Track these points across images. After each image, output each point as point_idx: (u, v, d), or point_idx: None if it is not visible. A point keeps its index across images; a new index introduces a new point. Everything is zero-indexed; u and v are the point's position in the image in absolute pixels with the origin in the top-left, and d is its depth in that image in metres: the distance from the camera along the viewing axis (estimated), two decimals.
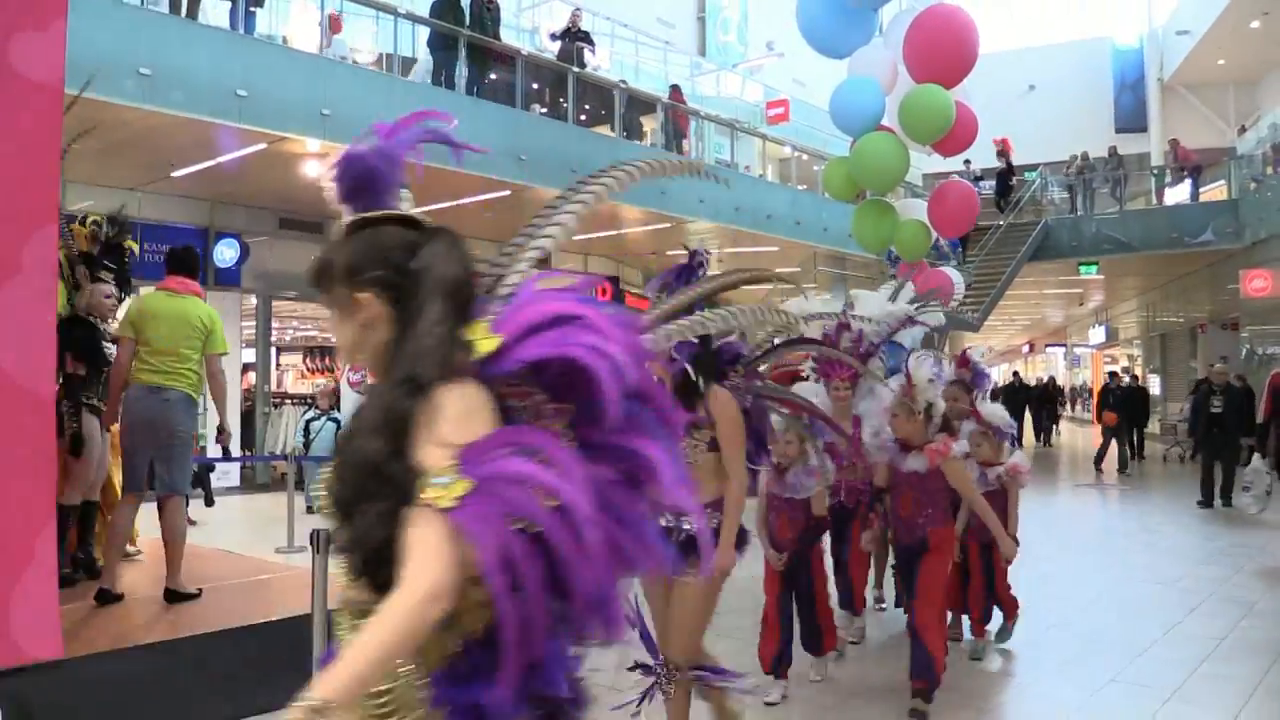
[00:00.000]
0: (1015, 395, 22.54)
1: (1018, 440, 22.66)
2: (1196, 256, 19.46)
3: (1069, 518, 11.45)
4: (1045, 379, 28.83)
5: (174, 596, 5.07)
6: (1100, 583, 7.52)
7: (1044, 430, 23.70)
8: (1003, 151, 20.88)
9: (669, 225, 16.91)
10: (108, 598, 4.91)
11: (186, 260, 5.49)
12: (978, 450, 5.26)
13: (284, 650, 4.42)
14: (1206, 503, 11.51)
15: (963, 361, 5.80)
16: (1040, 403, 24.05)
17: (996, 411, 5.42)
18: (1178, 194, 20.65)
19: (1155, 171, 22.40)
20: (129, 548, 5.83)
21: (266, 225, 15.04)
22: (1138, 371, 26.07)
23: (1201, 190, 20.19)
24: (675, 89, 18.97)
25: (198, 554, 7.05)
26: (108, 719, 4.02)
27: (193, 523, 10.63)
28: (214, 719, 4.24)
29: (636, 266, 22.65)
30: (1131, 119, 27.30)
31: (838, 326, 5.20)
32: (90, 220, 5.47)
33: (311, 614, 4.05)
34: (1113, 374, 16.71)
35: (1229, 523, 10.62)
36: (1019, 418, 21.76)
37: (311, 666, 3.99)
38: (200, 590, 5.17)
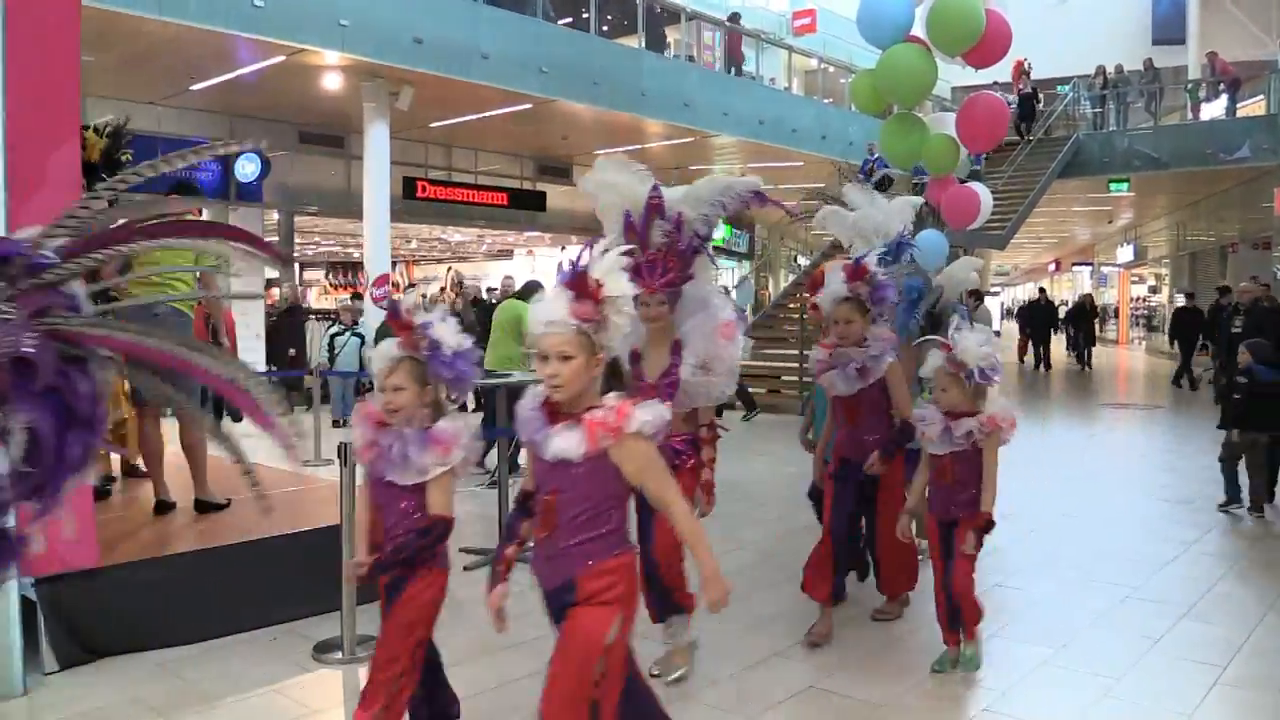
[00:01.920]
0: (1039, 314, 22.16)
1: (1045, 362, 22.43)
2: (1230, 174, 19.05)
3: (1093, 437, 11.46)
4: (1083, 296, 26.40)
5: (202, 506, 5.14)
6: (1119, 501, 7.56)
7: (1081, 352, 22.01)
8: (1025, 73, 20.09)
9: (692, 139, 16.71)
10: (164, 507, 5.04)
11: (188, 187, 5.47)
12: (943, 396, 3.89)
13: (312, 560, 4.54)
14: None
15: (855, 272, 4.32)
16: (1077, 322, 22.61)
17: (973, 344, 3.82)
18: (1214, 109, 20.11)
19: (1190, 86, 21.79)
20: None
21: (287, 139, 14.96)
22: (1164, 289, 25.67)
23: (1239, 105, 19.63)
24: (735, 15, 18.92)
25: (226, 466, 7.19)
26: (143, 625, 4.15)
27: None
28: (245, 625, 4.37)
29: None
30: (1169, 30, 26.46)
31: (647, 208, 3.56)
32: (107, 129, 5.39)
33: (340, 525, 4.13)
34: (1224, 289, 15.47)
35: None
36: (1044, 339, 21.44)
37: (340, 575, 4.09)
38: (229, 501, 5.22)
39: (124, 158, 5.49)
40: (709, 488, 3.73)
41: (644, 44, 15.97)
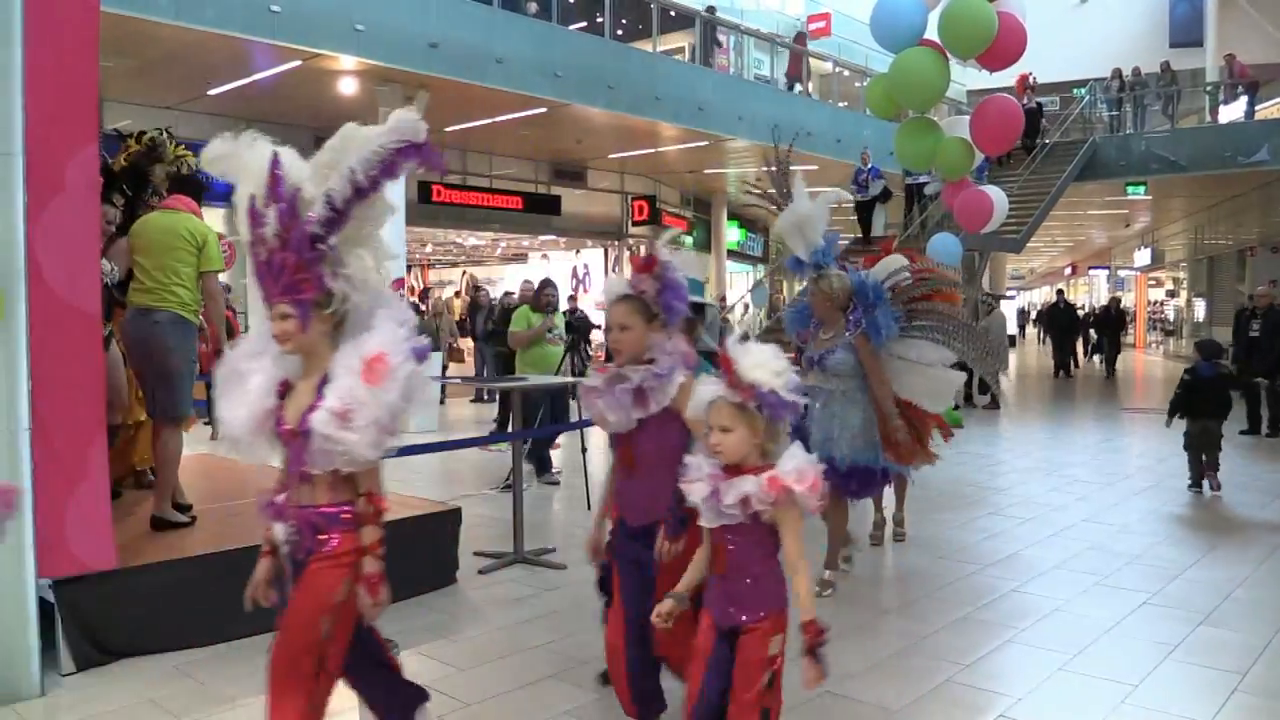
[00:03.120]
0: (1059, 319, 21.60)
1: (1066, 368, 21.90)
2: (1248, 177, 18.93)
3: (1115, 444, 11.39)
4: (1111, 300, 25.02)
5: (159, 524, 4.82)
6: (1138, 506, 7.50)
7: (1107, 360, 21.08)
8: (1029, 86, 19.84)
9: (707, 143, 16.71)
10: (160, 524, 4.89)
11: (189, 182, 5.21)
12: (727, 440, 2.56)
13: None
14: (1249, 430, 11.39)
15: (645, 264, 3.22)
16: (1102, 329, 21.94)
17: (762, 357, 2.57)
18: (1232, 112, 19.99)
19: (1209, 88, 21.67)
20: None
21: (302, 144, 14.94)
22: (1182, 293, 25.32)
23: (1258, 108, 19.52)
24: (801, 35, 20.22)
25: (242, 469, 7.23)
26: (159, 627, 4.18)
27: None
28: (260, 628, 4.37)
29: (674, 185, 22.45)
30: (1187, 32, 26.33)
31: (267, 188, 2.63)
32: (146, 137, 5.30)
33: None
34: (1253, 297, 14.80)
35: (1271, 450, 10.55)
36: (1067, 345, 21.06)
37: None
38: (193, 518, 4.96)
39: (156, 170, 5.32)
40: (372, 584, 2.59)
41: (696, 52, 16.47)
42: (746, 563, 2.60)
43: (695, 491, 2.61)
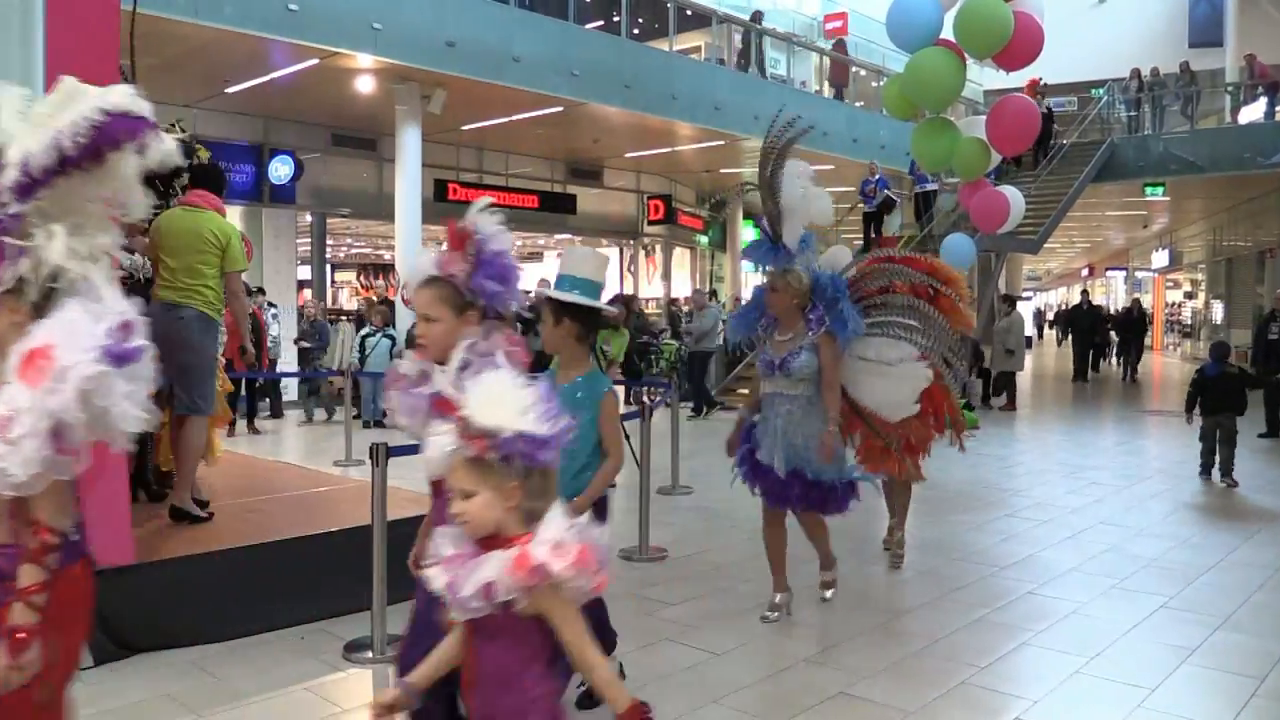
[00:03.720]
0: (1081, 321, 21.07)
1: (1083, 373, 21.88)
2: (1268, 178, 18.78)
3: (1132, 445, 11.33)
4: (1132, 302, 24.13)
5: (177, 514, 4.89)
6: (1156, 509, 7.46)
7: (1129, 364, 20.52)
8: (1039, 92, 19.40)
9: (723, 143, 16.69)
10: (179, 514, 4.91)
11: (209, 175, 5.29)
12: (471, 509, 1.89)
13: (343, 560, 4.57)
14: (1268, 433, 11.31)
15: (458, 238, 2.55)
16: (1123, 331, 21.37)
17: (498, 390, 1.89)
18: (1252, 112, 19.83)
19: (1230, 89, 21.50)
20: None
21: (320, 142, 15.09)
22: (1200, 295, 25.12)
23: (1278, 109, 19.36)
24: (841, 42, 21.05)
25: (260, 466, 7.27)
26: (176, 622, 4.20)
27: (258, 431, 10.94)
28: (276, 624, 4.41)
29: (689, 185, 22.43)
30: (1206, 32, 26.13)
31: None
32: (178, 125, 5.36)
33: (371, 525, 4.15)
34: None
35: None
36: (1086, 348, 20.73)
37: (372, 575, 4.11)
38: (210, 514, 4.98)
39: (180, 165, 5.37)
40: (18, 640, 1.96)
41: (735, 60, 16.98)
42: (501, 671, 1.92)
43: (433, 579, 1.93)
